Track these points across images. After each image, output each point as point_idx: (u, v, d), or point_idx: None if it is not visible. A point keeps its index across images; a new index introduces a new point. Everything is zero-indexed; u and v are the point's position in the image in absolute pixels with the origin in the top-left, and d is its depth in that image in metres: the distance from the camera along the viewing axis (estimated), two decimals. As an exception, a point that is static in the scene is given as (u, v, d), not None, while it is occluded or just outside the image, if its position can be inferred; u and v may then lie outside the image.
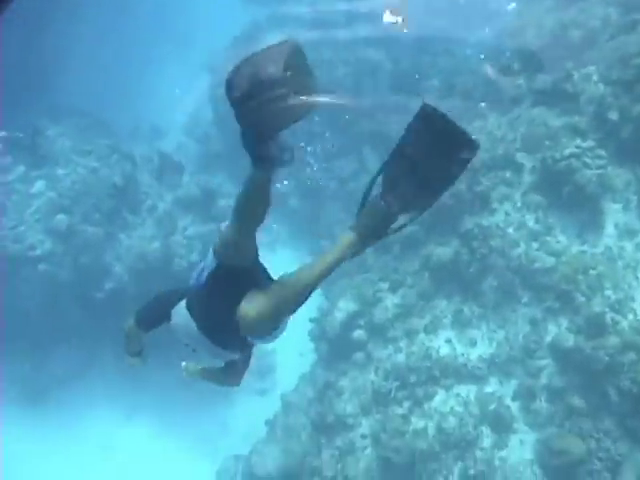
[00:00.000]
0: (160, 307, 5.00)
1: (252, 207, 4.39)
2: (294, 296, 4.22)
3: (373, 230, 4.31)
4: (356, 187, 17.93)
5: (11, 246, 14.82)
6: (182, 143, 20.98)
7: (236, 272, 4.46)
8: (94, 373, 15.77)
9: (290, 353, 15.05)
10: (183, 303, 4.75)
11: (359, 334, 11.85)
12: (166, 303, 4.94)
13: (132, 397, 15.44)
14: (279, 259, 19.30)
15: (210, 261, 4.55)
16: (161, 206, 16.25)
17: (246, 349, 4.82)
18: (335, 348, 12.31)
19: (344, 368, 11.86)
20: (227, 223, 4.41)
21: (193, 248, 15.73)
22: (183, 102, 21.02)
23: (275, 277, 4.49)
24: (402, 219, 4.27)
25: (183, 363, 5.03)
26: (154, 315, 5.07)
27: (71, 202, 15.23)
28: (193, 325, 4.61)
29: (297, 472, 11.60)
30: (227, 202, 17.15)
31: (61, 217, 15.03)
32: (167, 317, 4.89)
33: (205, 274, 4.55)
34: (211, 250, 4.60)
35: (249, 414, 14.55)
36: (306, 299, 4.24)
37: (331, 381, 11.79)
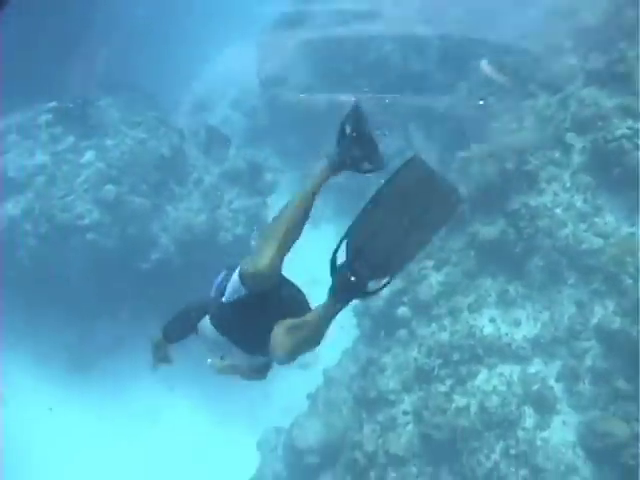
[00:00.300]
0: (185, 322, 5.18)
1: (296, 227, 4.47)
2: (317, 336, 4.32)
3: (347, 298, 4.26)
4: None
5: (60, 215, 15.06)
6: (228, 116, 20.99)
7: (266, 295, 4.55)
8: (137, 344, 15.97)
9: (331, 327, 15.12)
10: (207, 318, 4.92)
11: (403, 311, 11.87)
12: (191, 318, 5.11)
13: (175, 368, 15.66)
14: (322, 235, 19.26)
15: (237, 285, 4.57)
16: (207, 179, 16.37)
17: (265, 355, 4.80)
18: (378, 324, 12.36)
19: (387, 345, 11.90)
20: (256, 248, 4.48)
21: (238, 221, 15.85)
22: (230, 76, 21.05)
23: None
24: (375, 284, 4.16)
25: (208, 360, 5.11)
26: (180, 330, 5.28)
27: (119, 173, 15.41)
28: (222, 338, 4.78)
29: (338, 446, 11.72)
30: (273, 176, 17.31)
31: (109, 187, 15.21)
32: (193, 330, 5.12)
33: (230, 293, 4.64)
34: (237, 274, 4.56)
35: (290, 387, 14.64)
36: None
37: (374, 357, 11.85)
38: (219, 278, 4.88)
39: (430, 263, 12.21)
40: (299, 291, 4.77)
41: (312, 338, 4.36)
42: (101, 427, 14.57)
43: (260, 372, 5.16)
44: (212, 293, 4.88)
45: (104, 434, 14.50)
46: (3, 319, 15.65)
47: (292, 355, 4.35)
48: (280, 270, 4.51)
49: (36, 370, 15.41)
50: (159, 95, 19.86)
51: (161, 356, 5.52)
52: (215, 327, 4.81)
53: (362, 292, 4.14)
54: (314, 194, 4.48)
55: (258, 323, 4.45)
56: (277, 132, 19.30)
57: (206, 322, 4.91)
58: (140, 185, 15.44)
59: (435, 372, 10.92)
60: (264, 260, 4.32)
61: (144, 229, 15.31)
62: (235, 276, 4.57)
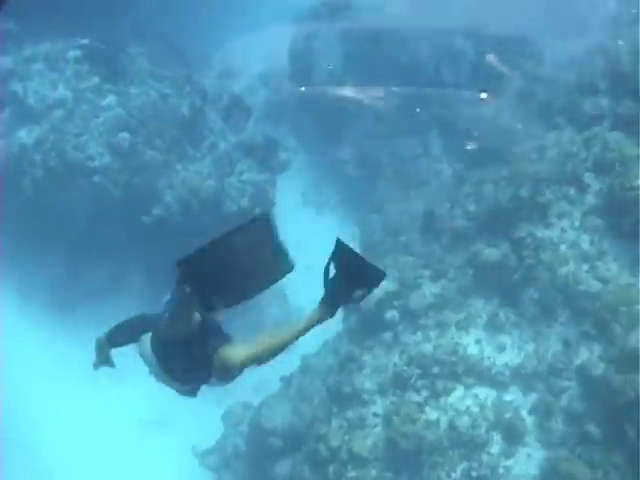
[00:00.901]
0: (131, 331, 5.46)
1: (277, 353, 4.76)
2: (274, 350, 4.68)
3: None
4: (415, 170, 18.04)
5: (71, 152, 15.04)
6: (253, 87, 20.98)
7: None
8: (122, 292, 16.01)
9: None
10: (148, 336, 5.23)
11: (392, 314, 11.92)
12: (137, 329, 5.39)
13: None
14: (325, 224, 19.46)
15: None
16: (222, 146, 16.37)
17: (199, 384, 5.25)
18: (365, 323, 12.40)
19: (370, 344, 11.94)
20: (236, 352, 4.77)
21: (245, 193, 15.86)
22: (262, 51, 20.99)
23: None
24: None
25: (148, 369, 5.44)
26: (124, 336, 5.56)
27: (137, 123, 15.41)
28: (154, 359, 5.12)
29: (303, 434, 11.81)
30: (287, 156, 17.32)
31: (125, 135, 15.21)
32: (135, 340, 5.37)
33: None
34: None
35: (264, 367, 14.72)
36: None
37: (355, 354, 11.89)
38: (166, 298, 5.14)
39: (427, 272, 12.28)
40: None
41: (280, 348, 4.75)
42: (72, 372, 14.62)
43: (189, 392, 5.41)
44: (158, 310, 5.17)
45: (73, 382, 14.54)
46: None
47: (244, 367, 4.77)
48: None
49: (20, 303, 15.43)
50: (189, 50, 19.84)
51: (103, 358, 5.81)
52: (152, 349, 5.16)
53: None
54: (305, 333, 4.74)
55: (193, 354, 4.90)
56: (298, 113, 19.34)
57: (147, 338, 5.24)
58: (155, 139, 15.44)
59: (412, 381, 10.99)
60: (237, 365, 4.72)
61: (151, 183, 15.32)
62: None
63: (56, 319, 15.35)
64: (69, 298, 15.65)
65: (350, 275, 4.56)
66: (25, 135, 15.34)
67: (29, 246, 15.45)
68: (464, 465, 10.06)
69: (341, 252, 4.53)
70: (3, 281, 15.51)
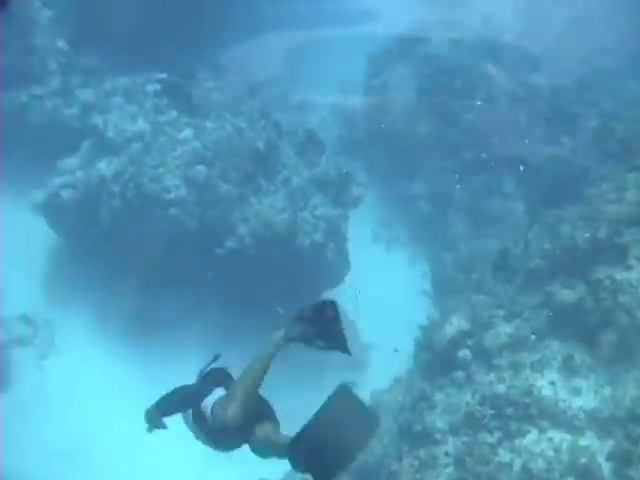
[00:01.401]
0: (179, 403, 6.07)
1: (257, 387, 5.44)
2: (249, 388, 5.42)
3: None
4: (487, 208, 17.95)
5: (148, 184, 15.38)
6: (327, 121, 21.16)
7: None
8: (195, 323, 16.21)
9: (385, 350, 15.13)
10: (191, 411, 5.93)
11: (465, 353, 11.84)
12: (184, 402, 6.04)
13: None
14: (392, 260, 19.48)
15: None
16: (296, 180, 16.51)
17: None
18: (437, 361, 12.34)
19: (442, 383, 11.88)
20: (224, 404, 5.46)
21: (318, 228, 15.96)
22: (339, 83, 21.19)
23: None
24: None
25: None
26: (172, 408, 6.11)
27: (213, 156, 15.69)
28: (200, 432, 5.81)
29: (374, 471, 11.76)
30: (359, 191, 17.40)
31: (201, 168, 15.51)
32: (182, 411, 6.06)
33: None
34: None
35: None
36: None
37: (427, 392, 11.83)
38: (204, 366, 6.22)
39: (501, 312, 12.18)
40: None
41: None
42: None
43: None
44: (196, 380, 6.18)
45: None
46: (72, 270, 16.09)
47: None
48: (248, 418, 5.45)
49: (94, 332, 15.74)
50: (263, 86, 20.18)
51: (155, 424, 6.27)
52: (195, 423, 5.83)
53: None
54: (270, 360, 5.37)
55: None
56: (371, 148, 19.43)
57: (190, 412, 5.94)
58: (230, 172, 15.69)
59: (485, 421, 10.88)
60: (230, 417, 5.31)
61: (225, 216, 15.52)
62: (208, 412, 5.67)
63: (131, 349, 15.62)
64: (144, 328, 15.88)
65: (322, 327, 5.09)
66: (104, 167, 15.76)
67: (105, 275, 15.79)
68: (538, 509, 9.93)
69: (327, 310, 5.04)
70: (79, 310, 15.86)
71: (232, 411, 5.30)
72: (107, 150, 16.07)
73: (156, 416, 6.12)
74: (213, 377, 6.03)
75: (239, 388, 5.43)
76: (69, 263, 16.44)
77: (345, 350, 5.13)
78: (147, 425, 6.09)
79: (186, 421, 5.90)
